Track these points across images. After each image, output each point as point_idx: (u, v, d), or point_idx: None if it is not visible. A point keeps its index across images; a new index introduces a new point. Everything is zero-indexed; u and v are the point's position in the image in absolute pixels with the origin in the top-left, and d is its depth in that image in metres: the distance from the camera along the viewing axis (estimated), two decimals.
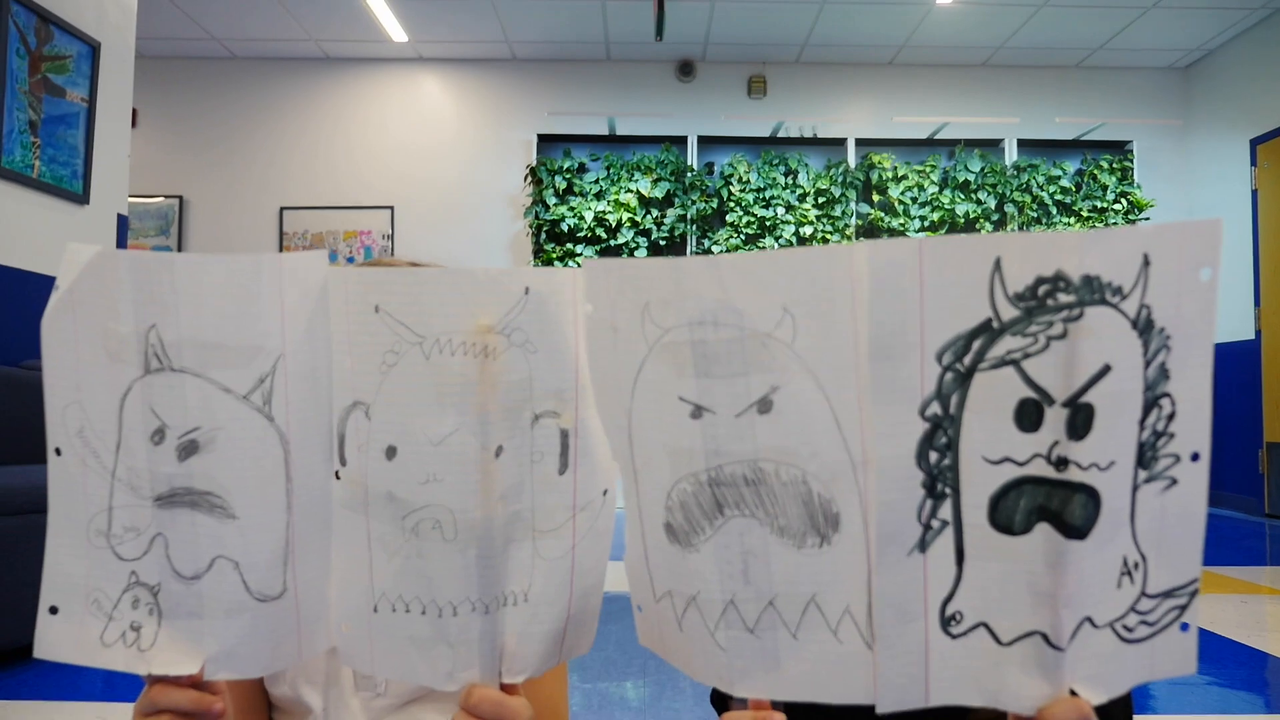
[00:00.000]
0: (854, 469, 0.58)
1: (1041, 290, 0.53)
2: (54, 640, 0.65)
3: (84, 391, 0.64)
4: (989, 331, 0.55)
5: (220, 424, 0.63)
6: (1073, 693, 0.57)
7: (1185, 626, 0.59)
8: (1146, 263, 0.54)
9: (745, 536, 0.60)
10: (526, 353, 0.63)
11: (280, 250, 6.11)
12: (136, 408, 0.63)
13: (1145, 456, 0.57)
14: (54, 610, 0.66)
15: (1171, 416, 0.57)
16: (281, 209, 6.83)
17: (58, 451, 0.65)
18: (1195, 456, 0.57)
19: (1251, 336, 5.91)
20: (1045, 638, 0.57)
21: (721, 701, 0.74)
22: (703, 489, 0.61)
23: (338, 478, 0.65)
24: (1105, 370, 0.54)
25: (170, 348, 0.62)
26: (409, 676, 0.66)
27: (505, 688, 0.66)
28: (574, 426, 0.66)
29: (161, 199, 6.84)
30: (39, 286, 3.45)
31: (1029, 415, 0.55)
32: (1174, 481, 0.57)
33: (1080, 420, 0.54)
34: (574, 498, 0.67)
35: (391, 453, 0.63)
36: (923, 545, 0.58)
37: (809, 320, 0.57)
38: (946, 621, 0.58)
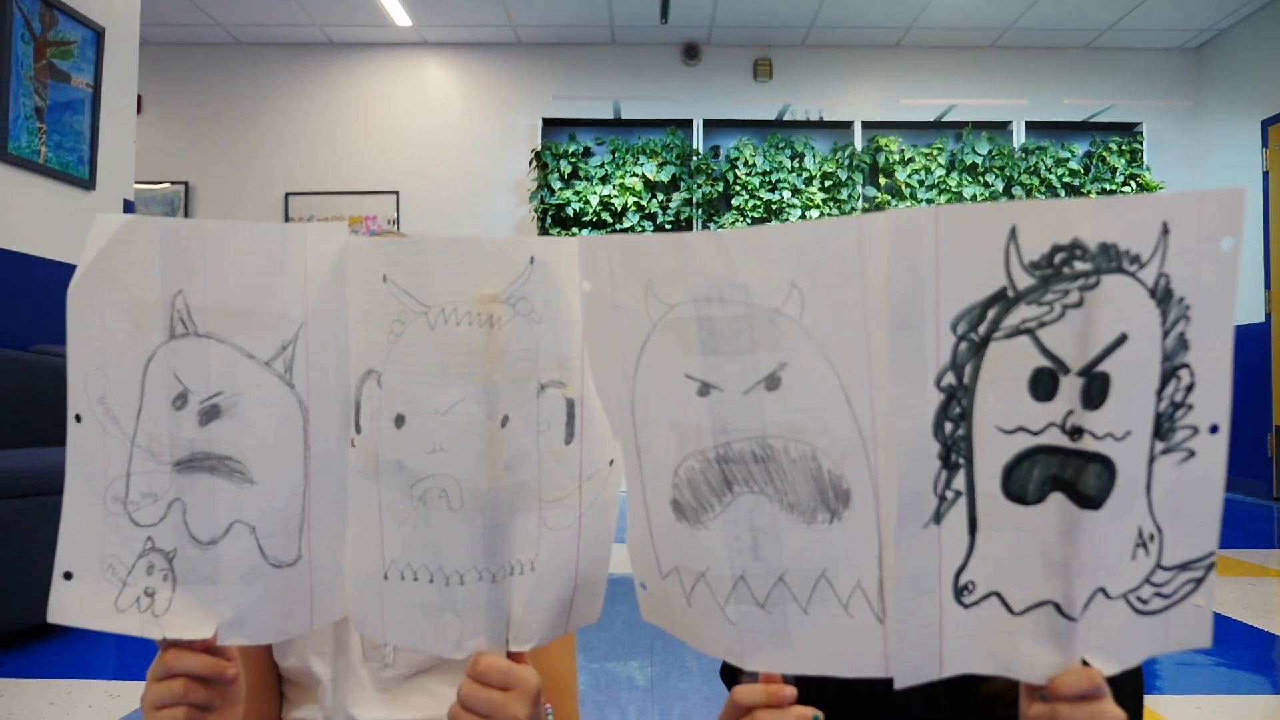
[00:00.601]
0: (864, 445, 0.57)
1: (1058, 258, 0.53)
2: (68, 605, 0.66)
3: (107, 358, 0.64)
4: (1004, 300, 0.54)
5: (242, 389, 0.63)
6: (1085, 663, 0.57)
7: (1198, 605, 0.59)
8: (1165, 231, 0.53)
9: (755, 513, 0.60)
10: (531, 322, 0.63)
11: None
12: (160, 373, 0.63)
13: (1163, 428, 0.56)
14: (68, 575, 0.66)
15: (1190, 388, 0.56)
16: (287, 194, 6.83)
17: (78, 418, 0.66)
18: (1214, 429, 0.57)
19: (1261, 319, 5.88)
20: (1057, 607, 0.57)
21: (732, 676, 0.74)
22: (711, 466, 0.61)
23: (353, 445, 0.66)
24: (1122, 339, 0.53)
25: (196, 313, 0.63)
26: (418, 644, 0.66)
27: (513, 656, 0.66)
28: (580, 396, 0.66)
29: (167, 185, 6.84)
30: (46, 271, 3.46)
31: (1043, 384, 0.55)
32: (1192, 453, 0.57)
33: (1095, 389, 0.54)
34: (580, 468, 0.67)
35: (400, 421, 0.64)
36: (937, 517, 0.57)
37: (817, 294, 0.57)
38: (959, 591, 0.58)
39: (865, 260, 0.55)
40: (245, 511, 0.64)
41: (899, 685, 0.58)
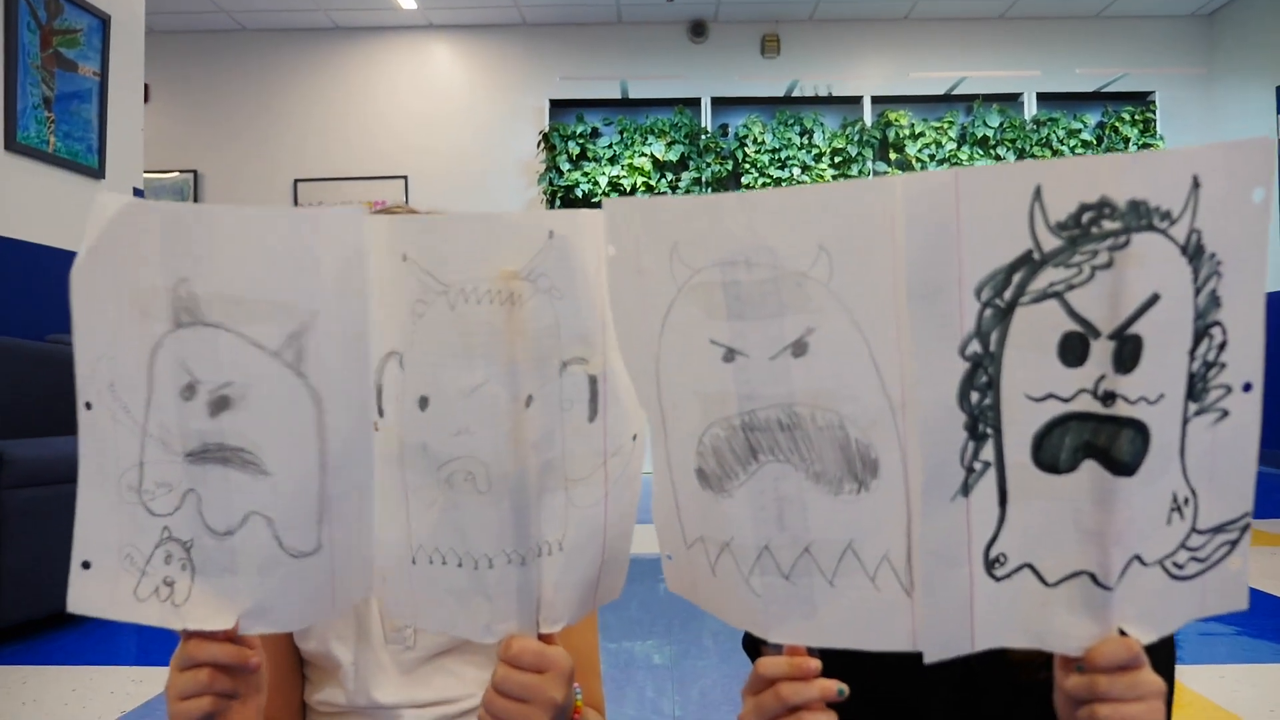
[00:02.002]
0: (893, 413, 0.56)
1: (1085, 218, 0.51)
2: (87, 595, 0.65)
3: (114, 345, 0.63)
4: (1030, 264, 0.53)
5: (252, 380, 0.62)
6: (1122, 632, 0.56)
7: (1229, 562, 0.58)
8: (1196, 185, 0.52)
9: (780, 482, 0.59)
10: (552, 299, 0.62)
11: None
12: (167, 363, 0.62)
13: (1196, 388, 0.55)
14: (86, 565, 0.66)
15: (1223, 346, 0.55)
16: (295, 181, 6.83)
17: (88, 406, 0.65)
18: (1247, 386, 0.55)
19: None
20: (1093, 577, 0.56)
21: (754, 647, 0.73)
22: (736, 434, 0.60)
23: (376, 429, 0.65)
24: (1154, 299, 0.52)
25: (202, 301, 0.61)
26: (449, 629, 0.66)
27: (543, 637, 0.66)
28: (602, 372, 0.65)
29: (176, 174, 6.85)
30: (59, 261, 3.47)
31: (1073, 349, 0.53)
32: (1225, 413, 0.56)
33: (1128, 352, 0.53)
34: (604, 444, 0.66)
35: (424, 403, 0.63)
36: (965, 489, 0.56)
37: (846, 258, 0.55)
38: (990, 564, 0.57)
39: (896, 222, 0.54)
40: (261, 503, 0.63)
41: (928, 660, 0.57)
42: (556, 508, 0.65)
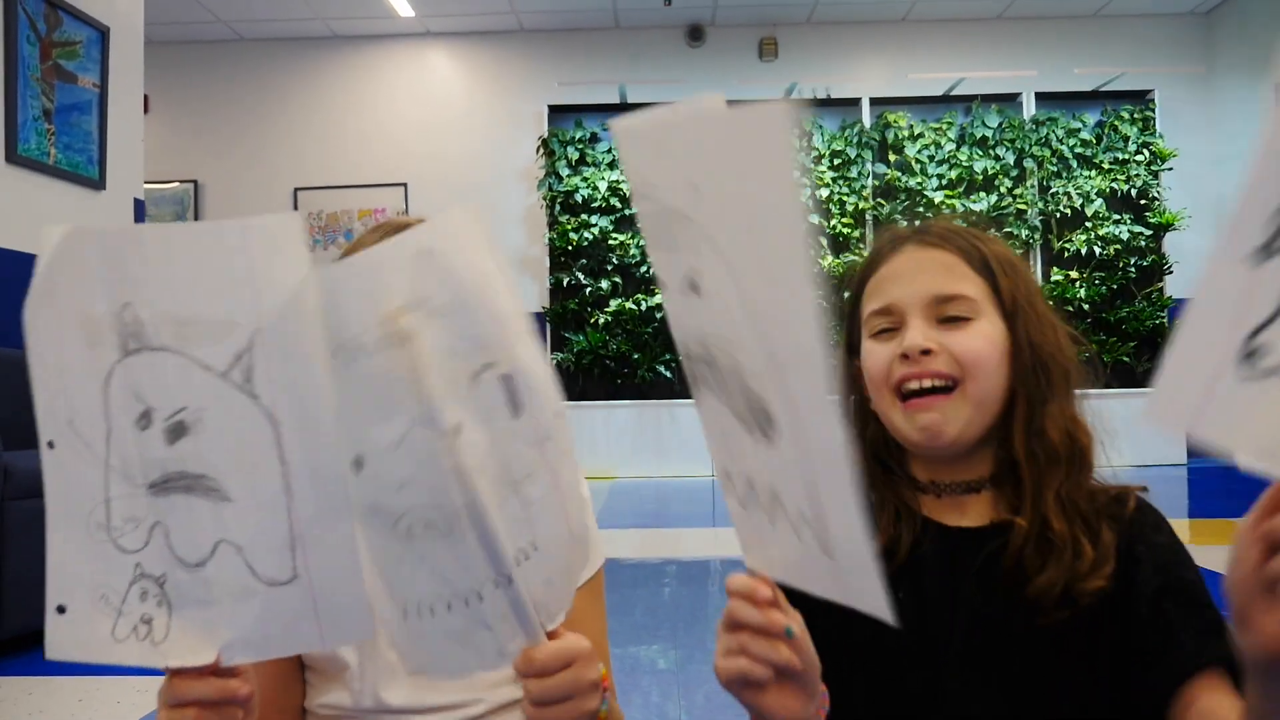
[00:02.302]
0: (773, 369, 0.51)
1: None
2: (64, 640, 0.63)
3: (69, 379, 0.61)
4: None
5: (204, 403, 0.59)
6: None
7: None
8: None
9: (719, 415, 0.59)
10: (444, 317, 0.59)
11: None
12: (120, 392, 0.60)
13: None
14: (61, 609, 0.63)
15: None
16: (296, 190, 6.84)
17: (50, 445, 0.62)
18: None
19: None
20: None
21: None
22: (688, 358, 0.60)
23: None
24: None
25: (147, 325, 0.59)
26: (463, 670, 0.64)
27: (550, 634, 0.65)
28: (512, 366, 0.62)
29: (176, 184, 6.87)
30: None
31: None
32: None
33: None
34: (535, 433, 0.64)
35: (359, 464, 0.60)
36: (1265, 254, 0.46)
37: (717, 197, 0.50)
38: (1251, 352, 0.47)
39: (769, 155, 0.48)
40: (229, 530, 0.61)
41: (1151, 417, 0.50)
42: (516, 513, 0.63)
